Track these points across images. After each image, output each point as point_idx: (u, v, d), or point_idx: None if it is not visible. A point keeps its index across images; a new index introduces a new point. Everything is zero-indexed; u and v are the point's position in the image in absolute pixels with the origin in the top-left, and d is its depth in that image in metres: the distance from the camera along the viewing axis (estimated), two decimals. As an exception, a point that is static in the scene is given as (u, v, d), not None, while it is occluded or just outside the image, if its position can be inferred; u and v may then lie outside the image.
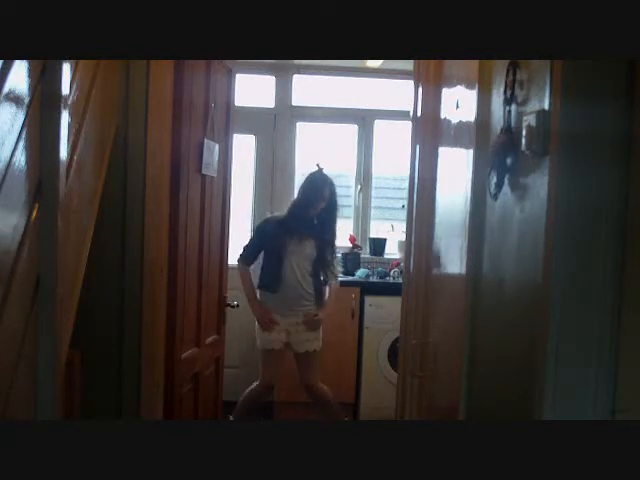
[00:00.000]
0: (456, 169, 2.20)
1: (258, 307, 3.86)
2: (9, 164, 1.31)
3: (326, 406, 3.96)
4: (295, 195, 4.11)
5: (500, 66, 1.77)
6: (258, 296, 3.89)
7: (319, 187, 3.82)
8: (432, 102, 2.58)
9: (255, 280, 3.92)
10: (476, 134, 1.95)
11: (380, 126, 5.32)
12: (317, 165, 3.94)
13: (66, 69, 1.56)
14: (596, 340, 1.40)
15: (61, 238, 1.55)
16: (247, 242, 3.99)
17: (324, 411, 3.96)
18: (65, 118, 1.57)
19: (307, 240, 3.82)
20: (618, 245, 1.39)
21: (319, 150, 5.29)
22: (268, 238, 3.85)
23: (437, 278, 2.47)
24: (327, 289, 3.97)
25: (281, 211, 4.12)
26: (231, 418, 3.95)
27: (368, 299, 4.63)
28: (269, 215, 4.19)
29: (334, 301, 4.00)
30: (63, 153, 1.56)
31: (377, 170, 5.37)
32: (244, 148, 4.99)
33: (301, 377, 3.95)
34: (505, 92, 1.69)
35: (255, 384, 3.96)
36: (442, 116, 2.46)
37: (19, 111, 1.36)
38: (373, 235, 5.32)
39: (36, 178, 1.48)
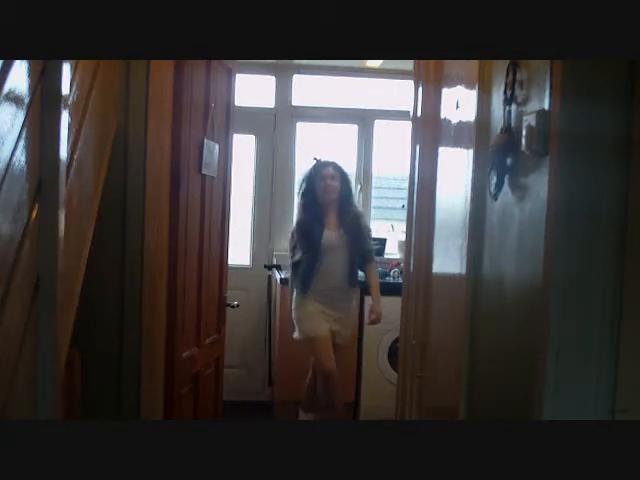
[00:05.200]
0: (456, 169, 2.20)
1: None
2: (9, 164, 1.30)
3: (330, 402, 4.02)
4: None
5: (500, 66, 1.77)
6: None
7: (317, 171, 3.98)
8: (432, 102, 2.58)
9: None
10: (476, 134, 1.95)
11: (380, 126, 5.32)
12: (314, 159, 4.11)
13: (66, 69, 1.56)
14: (596, 340, 1.41)
15: (61, 238, 1.55)
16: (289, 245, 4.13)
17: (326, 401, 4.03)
18: (65, 118, 1.57)
19: (336, 229, 3.99)
20: (618, 245, 1.39)
21: (319, 150, 5.28)
22: (300, 236, 3.98)
23: (437, 278, 2.47)
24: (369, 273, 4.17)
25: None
26: (300, 416, 4.10)
27: (368, 299, 4.63)
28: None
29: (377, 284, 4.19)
30: (63, 153, 1.56)
31: (377, 170, 5.37)
32: (244, 148, 4.99)
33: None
34: (505, 92, 1.69)
35: (309, 378, 4.10)
36: (442, 116, 2.46)
37: (19, 111, 1.36)
38: (373, 235, 5.32)
39: (36, 178, 1.48)
